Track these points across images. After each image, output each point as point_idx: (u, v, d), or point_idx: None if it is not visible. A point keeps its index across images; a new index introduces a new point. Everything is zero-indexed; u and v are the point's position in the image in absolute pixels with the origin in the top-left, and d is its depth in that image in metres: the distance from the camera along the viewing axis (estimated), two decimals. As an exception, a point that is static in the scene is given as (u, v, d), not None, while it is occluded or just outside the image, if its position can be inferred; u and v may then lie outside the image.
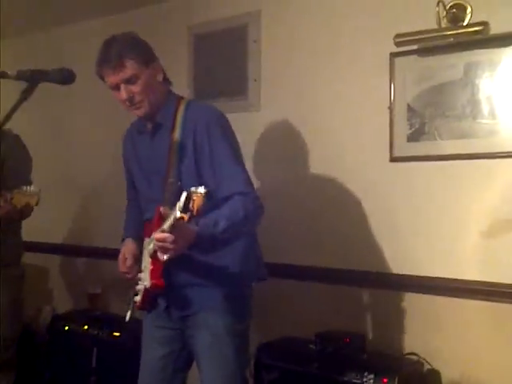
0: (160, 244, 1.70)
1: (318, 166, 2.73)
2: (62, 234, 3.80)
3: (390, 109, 2.48)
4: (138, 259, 2.04)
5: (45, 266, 3.90)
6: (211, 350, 1.97)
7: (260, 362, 2.48)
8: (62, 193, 3.76)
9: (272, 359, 2.45)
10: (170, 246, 1.68)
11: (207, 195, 1.54)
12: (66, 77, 1.62)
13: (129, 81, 1.90)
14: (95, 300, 3.42)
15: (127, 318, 2.04)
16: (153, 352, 2.09)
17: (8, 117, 1.55)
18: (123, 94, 1.91)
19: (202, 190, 1.54)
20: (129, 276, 2.04)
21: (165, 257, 1.73)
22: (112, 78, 1.90)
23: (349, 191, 2.62)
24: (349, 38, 2.61)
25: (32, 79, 1.57)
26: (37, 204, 2.30)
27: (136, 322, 3.02)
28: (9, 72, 1.57)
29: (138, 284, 1.99)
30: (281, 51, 2.83)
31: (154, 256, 1.85)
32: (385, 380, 2.18)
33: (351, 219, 2.63)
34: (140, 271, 2.00)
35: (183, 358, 2.07)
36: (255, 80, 2.87)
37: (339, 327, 2.51)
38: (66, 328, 3.20)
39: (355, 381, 2.22)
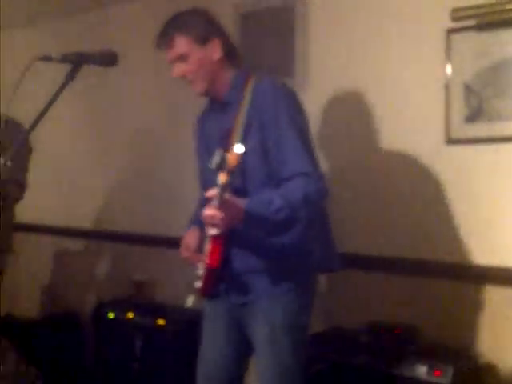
0: (209, 220, 1.69)
1: (369, 148, 2.64)
2: (108, 222, 3.81)
3: (446, 88, 2.38)
4: (201, 246, 2.00)
5: (91, 253, 3.93)
6: (268, 341, 1.92)
7: (308, 352, 2.43)
8: (106, 179, 3.79)
9: (320, 350, 2.40)
10: (219, 222, 1.67)
11: (244, 155, 1.52)
12: (109, 59, 1.66)
13: (180, 58, 1.91)
14: (140, 287, 3.42)
15: (188, 304, 1.99)
16: (213, 340, 2.06)
17: (53, 100, 1.55)
18: (174, 71, 1.93)
19: (237, 148, 1.51)
20: (191, 261, 2.01)
21: (214, 231, 1.71)
22: (166, 54, 1.93)
23: (405, 174, 2.54)
24: (402, 14, 2.52)
25: (76, 62, 1.59)
26: None
27: (181, 311, 3.05)
28: (53, 55, 1.60)
29: (199, 270, 1.95)
30: (329, 29, 2.75)
31: (212, 238, 1.82)
32: (437, 372, 2.09)
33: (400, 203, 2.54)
34: (202, 257, 1.96)
35: (244, 346, 2.03)
36: (303, 59, 2.81)
37: (391, 318, 2.43)
38: (111, 315, 3.21)
39: (406, 373, 2.14)
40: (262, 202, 1.75)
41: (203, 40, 1.91)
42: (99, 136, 3.80)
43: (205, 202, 1.90)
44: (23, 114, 2.32)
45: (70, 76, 1.57)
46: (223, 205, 1.63)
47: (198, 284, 1.95)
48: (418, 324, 2.40)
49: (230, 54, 1.98)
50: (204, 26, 1.93)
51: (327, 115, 2.74)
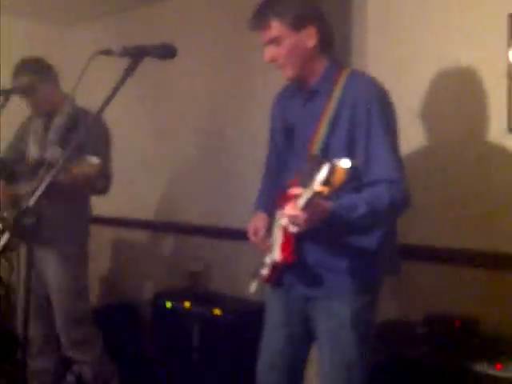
0: (292, 220, 1.68)
1: (431, 138, 2.59)
2: (165, 212, 3.86)
3: (509, 75, 2.30)
4: (269, 232, 1.99)
5: (147, 243, 4.00)
6: (332, 335, 1.91)
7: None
8: (163, 170, 3.85)
9: (378, 342, 2.36)
10: (302, 223, 1.66)
11: (352, 170, 1.46)
12: (167, 52, 1.65)
13: (272, 42, 1.87)
14: (197, 278, 3.45)
15: (252, 289, 1.99)
16: (275, 330, 2.05)
17: (113, 93, 1.57)
18: (265, 54, 1.89)
19: (346, 163, 1.45)
20: (261, 247, 2.00)
21: (294, 229, 1.70)
22: (259, 37, 1.89)
23: (467, 163, 2.48)
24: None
25: (136, 55, 1.60)
26: (97, 176, 2.31)
27: (237, 301, 3.08)
28: (114, 49, 1.61)
29: (265, 257, 1.96)
30: (388, 19, 2.70)
31: (285, 229, 1.81)
32: (499, 366, 2.05)
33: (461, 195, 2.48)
34: (270, 244, 1.96)
35: (305, 337, 2.02)
36: (360, 51, 2.77)
37: (451, 311, 2.38)
38: (169, 305, 3.25)
39: (466, 367, 2.09)
40: (347, 206, 1.74)
41: (298, 26, 1.86)
42: (162, 126, 3.86)
43: (276, 188, 1.94)
44: (87, 105, 2.38)
45: (131, 68, 1.58)
46: (309, 207, 1.63)
47: (264, 271, 1.95)
48: (478, 317, 2.34)
49: (325, 43, 1.92)
50: (301, 11, 1.88)
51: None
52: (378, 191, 1.77)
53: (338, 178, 1.44)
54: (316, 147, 1.85)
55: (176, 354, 3.20)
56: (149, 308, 3.44)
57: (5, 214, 2.66)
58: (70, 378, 3.04)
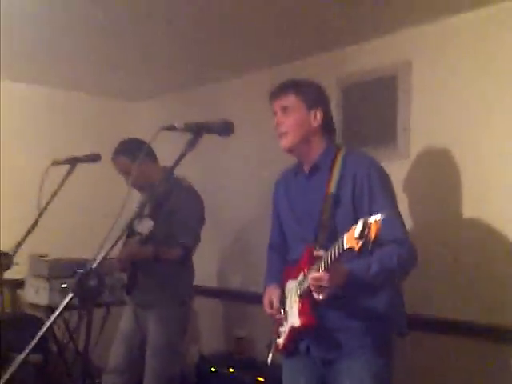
0: (316, 283, 1.75)
1: (456, 217, 2.64)
2: (211, 277, 3.93)
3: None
4: (281, 303, 2.08)
5: (193, 308, 4.06)
6: None
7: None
8: (210, 235, 3.95)
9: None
10: (326, 285, 1.73)
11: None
12: (226, 129, 1.74)
13: (284, 110, 2.06)
14: (240, 343, 3.50)
15: (269, 361, 2.07)
16: None
17: (175, 164, 1.67)
18: (275, 119, 2.09)
19: (378, 216, 1.53)
20: (276, 317, 2.08)
21: (321, 296, 1.77)
22: (274, 103, 2.10)
23: (487, 243, 2.52)
24: (503, 77, 2.53)
25: (197, 131, 1.69)
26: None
27: (280, 368, 3.09)
28: (176, 125, 1.70)
29: (281, 326, 2.03)
30: (432, 98, 2.80)
31: (303, 295, 1.89)
32: None
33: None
34: (284, 314, 2.04)
35: None
36: (405, 129, 2.86)
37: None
38: (213, 370, 3.29)
39: None
40: (361, 267, 1.83)
41: (310, 105, 2.07)
42: (213, 201, 3.99)
43: (282, 262, 2.05)
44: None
45: (192, 143, 1.67)
46: (332, 268, 1.72)
47: (280, 340, 2.02)
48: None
49: (327, 128, 2.12)
50: (315, 95, 2.10)
51: (427, 185, 2.78)
52: (387, 250, 1.85)
53: (374, 230, 1.52)
54: (325, 219, 1.95)
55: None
56: (194, 372, 3.48)
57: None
58: None
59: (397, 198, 2.04)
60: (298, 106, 2.06)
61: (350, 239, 1.59)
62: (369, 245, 1.54)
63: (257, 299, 3.48)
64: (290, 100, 2.06)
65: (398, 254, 1.87)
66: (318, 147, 2.09)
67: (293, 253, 2.11)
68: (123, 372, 2.92)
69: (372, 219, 1.53)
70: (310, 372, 2.05)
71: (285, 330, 2.01)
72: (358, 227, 1.54)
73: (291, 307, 1.99)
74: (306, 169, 2.12)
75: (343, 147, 2.11)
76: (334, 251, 1.69)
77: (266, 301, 2.14)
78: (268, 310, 2.12)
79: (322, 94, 2.14)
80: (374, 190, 1.95)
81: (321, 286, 1.75)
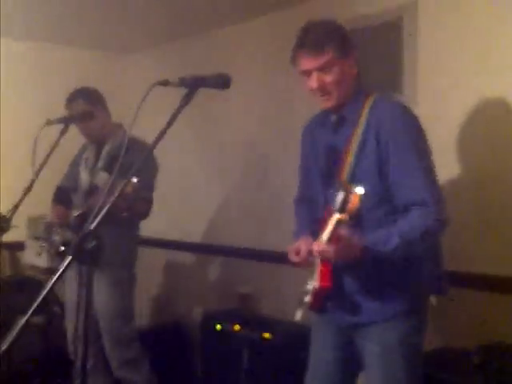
0: (321, 255, 1.72)
1: (480, 167, 2.56)
2: (216, 236, 3.89)
3: None
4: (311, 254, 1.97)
5: (199, 266, 4.04)
6: (381, 364, 1.90)
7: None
8: (213, 195, 3.90)
9: (431, 369, 2.32)
10: (332, 257, 1.69)
11: (364, 196, 1.49)
12: (223, 82, 1.66)
13: (323, 69, 1.84)
14: (246, 300, 3.47)
15: (298, 317, 1.99)
16: (323, 355, 2.05)
17: (171, 122, 1.60)
18: (314, 82, 1.86)
19: (358, 190, 1.49)
20: (302, 267, 1.97)
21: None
22: (307, 64, 1.86)
23: None
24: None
25: (192, 85, 1.62)
26: (135, 196, 2.27)
27: (288, 324, 3.07)
28: (170, 79, 1.63)
29: (307, 284, 1.96)
30: (439, 43, 2.69)
31: (322, 258, 1.83)
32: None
33: None
34: (311, 269, 1.96)
35: (353, 365, 2.02)
36: (411, 74, 2.76)
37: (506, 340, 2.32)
38: (218, 327, 3.26)
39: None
40: (377, 241, 1.75)
41: (346, 52, 1.87)
42: (211, 153, 3.92)
43: (313, 213, 1.96)
44: (144, 135, 2.46)
45: (187, 99, 1.60)
46: (334, 239, 1.65)
47: (307, 298, 1.96)
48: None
49: (358, 70, 1.94)
50: (346, 38, 1.90)
51: (436, 132, 2.68)
52: (410, 220, 1.76)
53: (353, 204, 1.47)
54: (345, 174, 1.85)
55: (225, 377, 3.21)
56: (198, 330, 3.46)
57: (68, 239, 2.77)
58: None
59: (430, 153, 1.87)
60: (336, 58, 1.84)
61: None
62: (354, 218, 1.50)
63: (264, 256, 3.50)
64: (327, 55, 1.82)
65: (422, 222, 1.76)
66: (350, 93, 1.92)
67: (320, 211, 1.97)
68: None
69: (353, 192, 1.48)
70: (338, 333, 2.01)
71: (310, 288, 1.95)
72: (337, 200, 1.50)
73: (316, 266, 1.91)
74: (333, 119, 1.96)
75: (372, 94, 1.93)
76: (331, 221, 1.63)
77: (291, 248, 1.97)
78: (292, 258, 1.97)
79: (346, 32, 1.91)
80: (399, 144, 1.81)
81: (327, 257, 1.71)
